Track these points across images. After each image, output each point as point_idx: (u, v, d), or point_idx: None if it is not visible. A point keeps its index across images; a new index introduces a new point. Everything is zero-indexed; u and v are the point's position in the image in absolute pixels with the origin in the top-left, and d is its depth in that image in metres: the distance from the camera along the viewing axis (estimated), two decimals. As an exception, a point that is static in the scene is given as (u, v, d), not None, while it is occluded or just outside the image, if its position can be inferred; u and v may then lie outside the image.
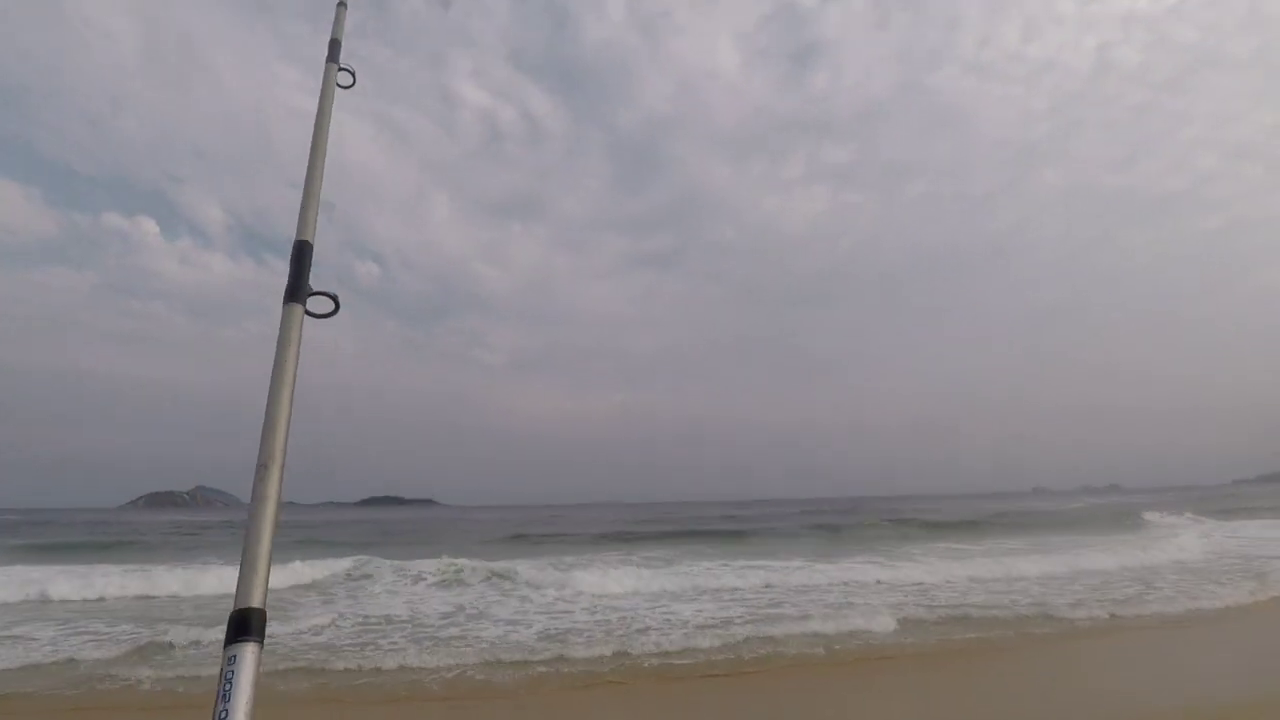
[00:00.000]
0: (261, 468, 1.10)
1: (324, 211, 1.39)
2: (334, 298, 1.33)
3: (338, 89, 1.71)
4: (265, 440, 1.13)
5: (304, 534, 30.69)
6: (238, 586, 1.00)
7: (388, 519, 60.28)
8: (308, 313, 1.31)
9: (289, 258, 1.37)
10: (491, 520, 48.28)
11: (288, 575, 13.71)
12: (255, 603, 0.99)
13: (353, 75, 1.75)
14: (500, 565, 14.66)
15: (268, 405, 1.17)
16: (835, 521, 33.34)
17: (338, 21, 1.81)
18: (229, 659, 0.94)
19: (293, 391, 1.20)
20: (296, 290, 1.30)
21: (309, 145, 1.56)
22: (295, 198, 1.47)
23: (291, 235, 1.39)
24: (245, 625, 0.96)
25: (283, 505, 1.09)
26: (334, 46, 1.74)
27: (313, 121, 1.60)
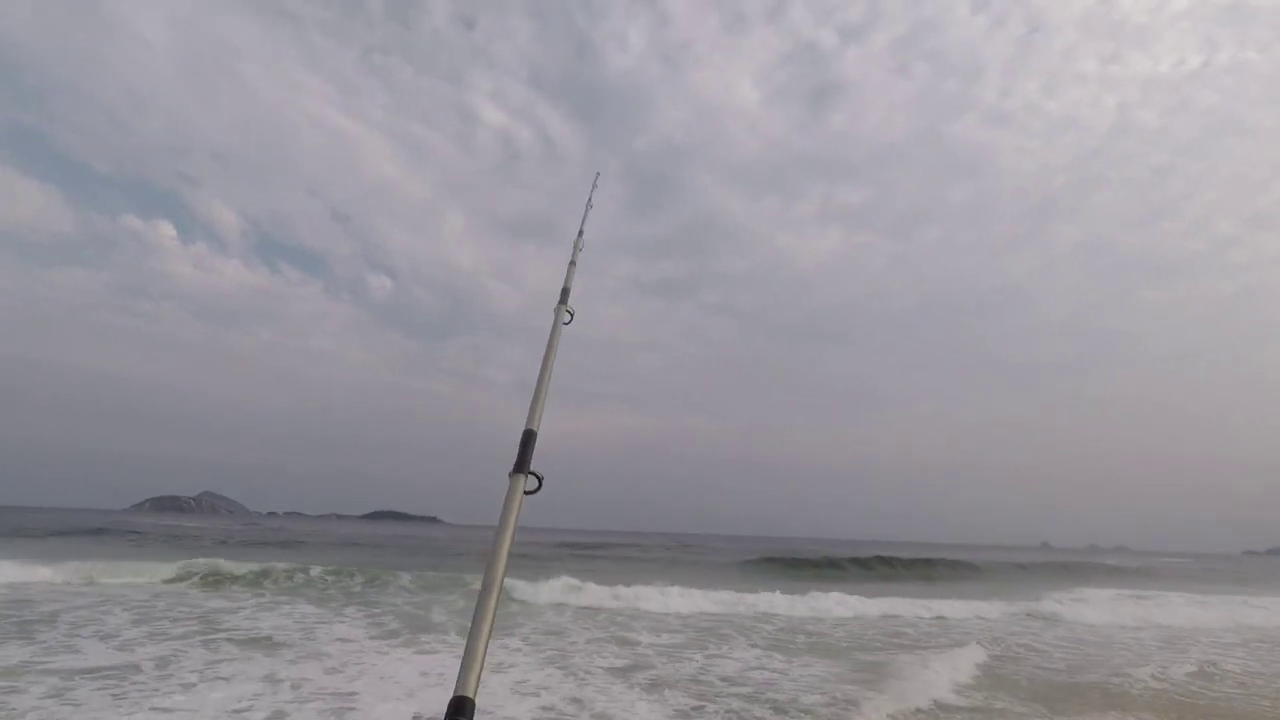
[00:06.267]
0: (485, 587, 1.39)
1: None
2: (540, 478, 1.63)
3: (562, 326, 2.22)
4: (488, 571, 1.48)
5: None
6: (459, 674, 1.19)
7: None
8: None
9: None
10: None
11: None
12: (469, 692, 1.17)
13: (571, 315, 2.25)
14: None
15: (494, 544, 1.62)
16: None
17: (568, 275, 2.45)
18: None
19: (510, 544, 1.51)
20: (521, 466, 1.64)
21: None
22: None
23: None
24: (460, 710, 1.10)
25: (501, 599, 1.60)
26: (564, 294, 2.33)
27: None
